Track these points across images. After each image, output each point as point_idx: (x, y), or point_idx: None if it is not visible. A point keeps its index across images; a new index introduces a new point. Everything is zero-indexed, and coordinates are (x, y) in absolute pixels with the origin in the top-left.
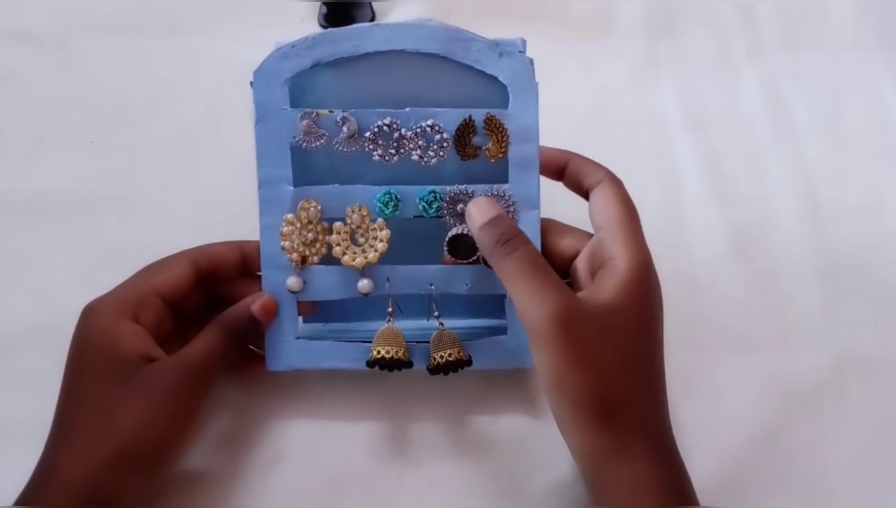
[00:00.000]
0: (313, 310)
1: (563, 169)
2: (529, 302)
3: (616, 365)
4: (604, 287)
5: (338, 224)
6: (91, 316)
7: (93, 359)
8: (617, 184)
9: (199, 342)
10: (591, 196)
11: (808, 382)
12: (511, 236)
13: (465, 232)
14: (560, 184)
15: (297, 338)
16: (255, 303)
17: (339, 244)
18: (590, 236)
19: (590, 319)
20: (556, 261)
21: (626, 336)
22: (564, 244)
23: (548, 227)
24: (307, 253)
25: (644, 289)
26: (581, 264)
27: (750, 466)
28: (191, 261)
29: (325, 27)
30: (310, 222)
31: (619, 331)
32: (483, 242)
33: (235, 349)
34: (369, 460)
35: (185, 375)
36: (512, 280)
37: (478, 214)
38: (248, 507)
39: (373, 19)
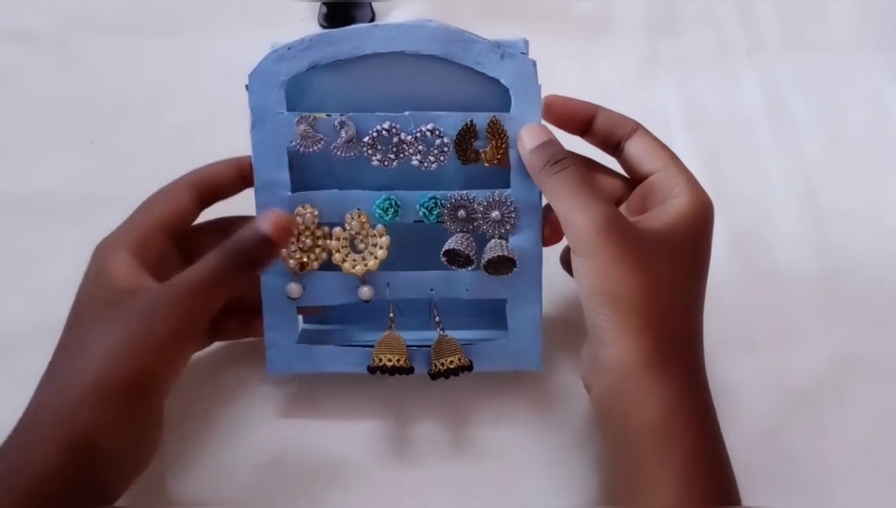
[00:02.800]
0: (321, 311)
1: (589, 121)
2: (575, 214)
3: (665, 279)
4: (660, 216)
5: (337, 230)
6: (95, 253)
7: (86, 294)
8: (651, 132)
9: (194, 268)
10: (630, 144)
11: (808, 382)
12: (560, 157)
13: (459, 246)
14: None
15: (298, 343)
16: (264, 221)
17: (338, 251)
18: (632, 183)
19: (638, 231)
20: None
21: (678, 258)
22: (609, 185)
23: (592, 166)
24: (305, 259)
25: (704, 226)
26: (628, 208)
27: (750, 466)
28: (192, 187)
29: (325, 27)
30: (307, 228)
31: (672, 251)
32: (532, 164)
33: (239, 275)
34: (369, 460)
35: (170, 301)
36: (558, 197)
37: (529, 138)
38: (248, 507)
39: (373, 19)
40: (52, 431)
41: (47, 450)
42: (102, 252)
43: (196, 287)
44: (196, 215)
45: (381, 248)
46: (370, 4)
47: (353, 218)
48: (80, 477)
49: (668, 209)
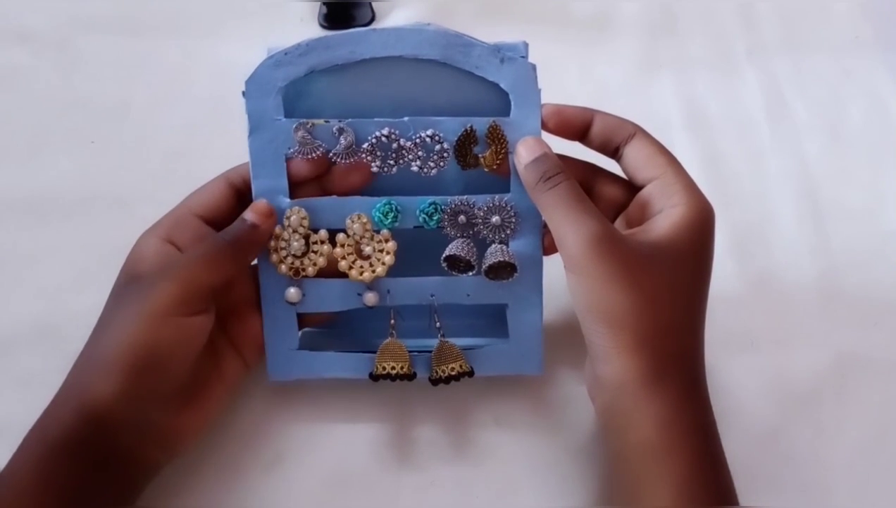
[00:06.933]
0: (332, 318)
1: (587, 128)
2: (566, 231)
3: (661, 294)
4: (656, 228)
5: (341, 236)
6: (135, 244)
7: (119, 277)
8: (650, 135)
9: (196, 246)
10: (628, 149)
11: (807, 382)
12: (553, 173)
13: (459, 252)
14: None
15: (298, 348)
16: (248, 212)
17: (344, 258)
18: (636, 188)
19: (631, 245)
20: (600, 208)
21: (675, 270)
22: (610, 193)
23: (594, 172)
24: (298, 265)
25: (703, 235)
26: (628, 218)
27: (749, 466)
28: (225, 180)
29: (325, 27)
30: (294, 232)
31: (668, 263)
32: (527, 179)
33: (234, 254)
34: (370, 460)
35: (171, 271)
36: (551, 212)
37: (525, 152)
38: (248, 507)
39: (373, 19)
40: (69, 398)
41: (63, 415)
42: (138, 240)
43: (195, 260)
44: (232, 205)
45: (388, 253)
46: (370, 4)
47: (353, 222)
48: (94, 440)
49: (665, 220)
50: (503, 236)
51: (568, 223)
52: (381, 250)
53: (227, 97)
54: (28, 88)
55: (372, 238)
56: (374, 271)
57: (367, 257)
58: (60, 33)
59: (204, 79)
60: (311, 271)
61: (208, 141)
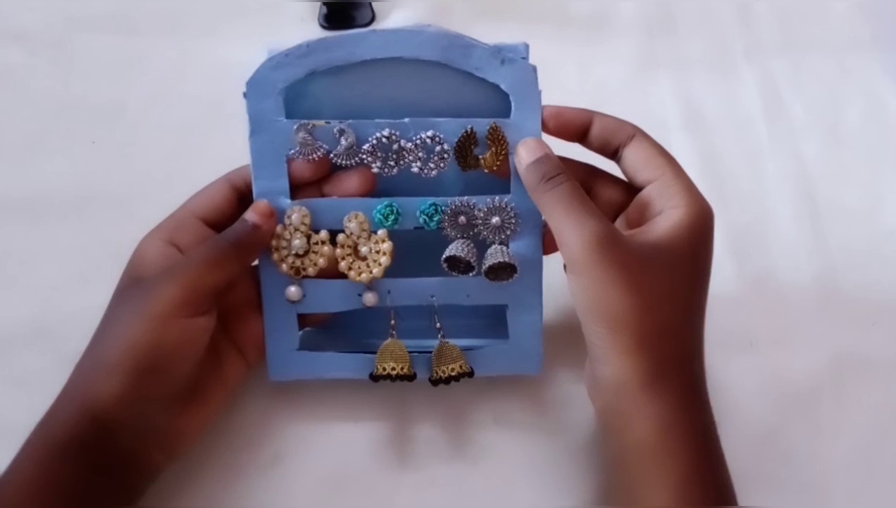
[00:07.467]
0: (327, 318)
1: (586, 129)
2: (567, 232)
3: (662, 295)
4: (656, 229)
5: (341, 236)
6: (137, 247)
7: (121, 279)
8: (650, 137)
9: (198, 247)
10: (627, 151)
11: (806, 382)
12: (554, 174)
13: (460, 253)
14: None
15: (299, 349)
16: (250, 212)
17: (343, 259)
18: (635, 190)
19: (632, 246)
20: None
21: (675, 272)
22: (609, 195)
23: (594, 173)
24: (299, 264)
25: (702, 236)
26: (627, 219)
27: (747, 466)
28: (227, 181)
29: (325, 27)
30: (296, 230)
31: (668, 265)
32: (528, 180)
33: (235, 256)
34: (369, 460)
35: (173, 273)
36: (552, 213)
37: (525, 153)
38: (248, 507)
39: (373, 19)
40: (72, 400)
41: (66, 416)
42: (140, 243)
43: (197, 261)
44: (233, 207)
45: (384, 254)
46: (370, 5)
47: (350, 220)
48: (96, 441)
49: (664, 221)
50: (503, 236)
51: (569, 224)
52: (378, 251)
53: (226, 97)
54: (25, 87)
55: (369, 238)
56: (371, 272)
57: (364, 258)
58: (57, 33)
59: (202, 79)
60: (311, 271)
61: (206, 141)
